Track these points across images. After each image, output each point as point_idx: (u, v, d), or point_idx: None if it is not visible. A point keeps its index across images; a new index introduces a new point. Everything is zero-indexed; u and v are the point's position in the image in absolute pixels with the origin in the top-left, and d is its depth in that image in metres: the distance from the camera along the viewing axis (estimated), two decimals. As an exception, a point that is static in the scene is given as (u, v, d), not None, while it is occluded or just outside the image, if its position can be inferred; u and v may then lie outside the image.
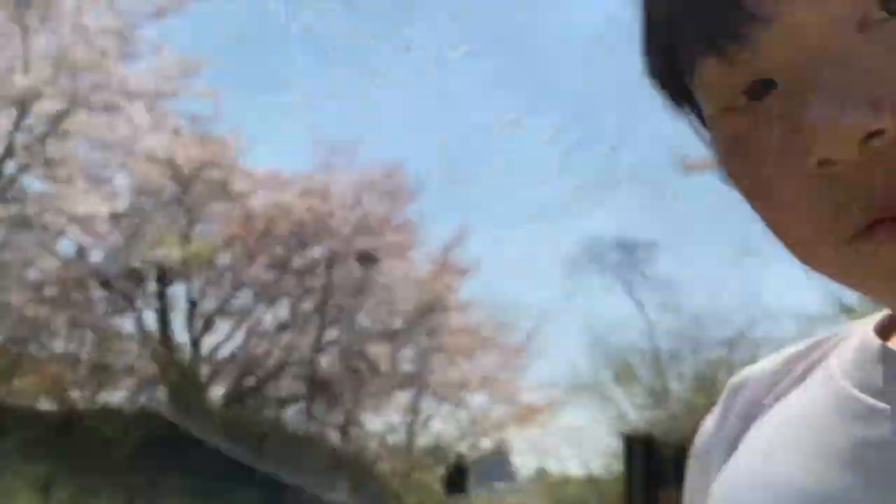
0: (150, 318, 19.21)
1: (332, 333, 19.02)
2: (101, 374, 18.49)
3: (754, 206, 0.40)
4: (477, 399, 23.61)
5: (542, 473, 28.33)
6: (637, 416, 17.57)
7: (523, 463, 29.02)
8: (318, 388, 16.40)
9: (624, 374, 19.96)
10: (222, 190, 17.90)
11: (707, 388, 16.21)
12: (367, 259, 16.49)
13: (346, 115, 22.17)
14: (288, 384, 19.99)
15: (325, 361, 18.44)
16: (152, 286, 18.76)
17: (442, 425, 24.70)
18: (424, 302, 19.66)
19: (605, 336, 19.33)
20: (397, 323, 20.44)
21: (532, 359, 24.16)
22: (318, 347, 16.52)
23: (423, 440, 24.29)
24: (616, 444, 16.88)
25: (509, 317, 23.61)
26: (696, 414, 13.06)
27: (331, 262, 16.37)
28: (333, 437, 21.36)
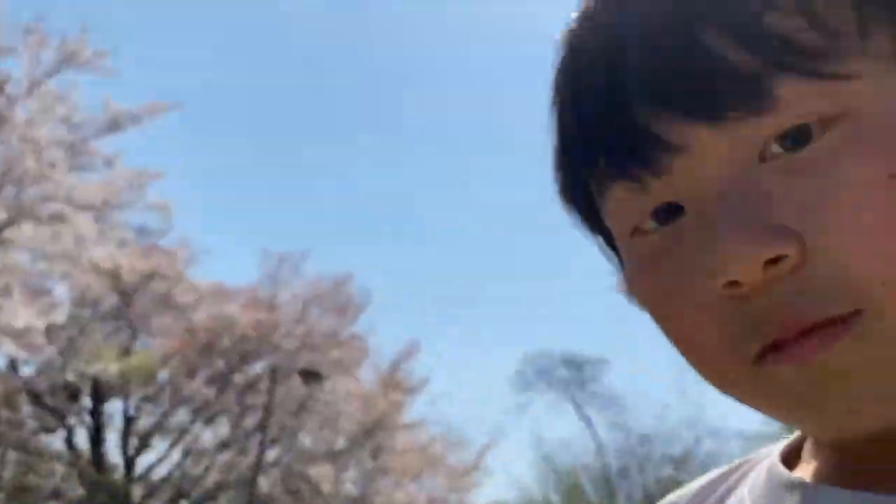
0: (83, 437, 18.38)
1: (273, 453, 18.39)
2: (25, 496, 17.43)
3: (662, 328, 0.41)
4: (424, 522, 22.80)
5: None
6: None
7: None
8: (256, 511, 15.65)
9: (573, 494, 19.58)
10: (166, 302, 17.69)
11: (654, 509, 16.02)
12: (312, 376, 16.23)
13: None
14: (226, 507, 19.09)
15: (265, 482, 17.69)
16: (87, 402, 18.07)
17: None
18: (370, 420, 19.27)
19: (555, 454, 19.12)
20: (341, 442, 19.90)
21: (481, 479, 23.62)
22: (259, 467, 15.89)
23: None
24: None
25: (458, 435, 23.25)
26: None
27: (274, 378, 16.05)
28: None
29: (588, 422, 19.81)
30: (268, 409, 15.89)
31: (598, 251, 0.48)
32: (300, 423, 18.65)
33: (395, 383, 20.76)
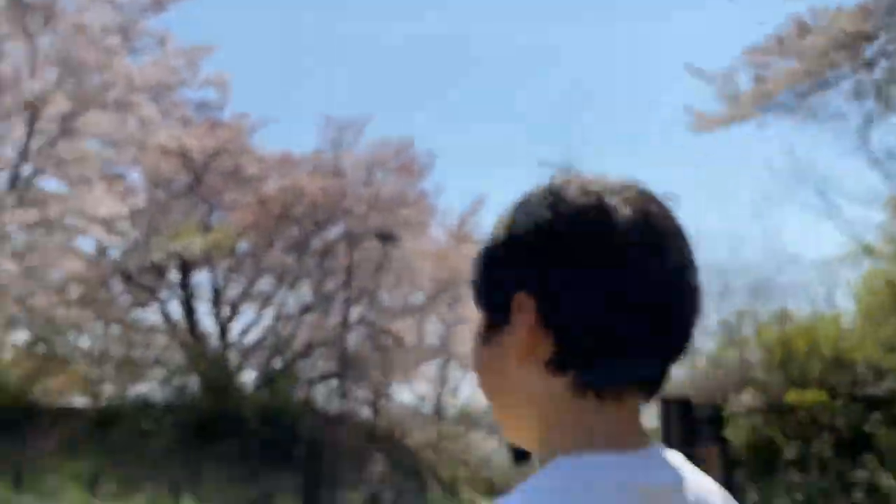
0: (176, 310, 19.41)
1: (356, 312, 19.12)
2: (131, 367, 18.72)
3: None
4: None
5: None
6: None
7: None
8: (346, 365, 16.53)
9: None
10: (235, 176, 17.90)
11: (735, 342, 16.13)
12: (386, 237, 16.48)
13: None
14: (317, 364, 20.19)
15: (352, 339, 18.54)
16: (175, 277, 18.89)
17: (470, 394, 24.96)
18: (444, 275, 19.69)
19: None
20: (419, 297, 20.53)
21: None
22: (345, 326, 16.61)
23: (452, 409, 24.57)
24: (646, 405, 16.97)
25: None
26: (726, 369, 13.00)
27: (350, 241, 16.37)
28: (365, 412, 21.64)
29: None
30: (347, 271, 16.34)
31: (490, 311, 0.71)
32: (379, 283, 19.22)
33: (466, 237, 21.01)
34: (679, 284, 0.68)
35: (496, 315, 0.69)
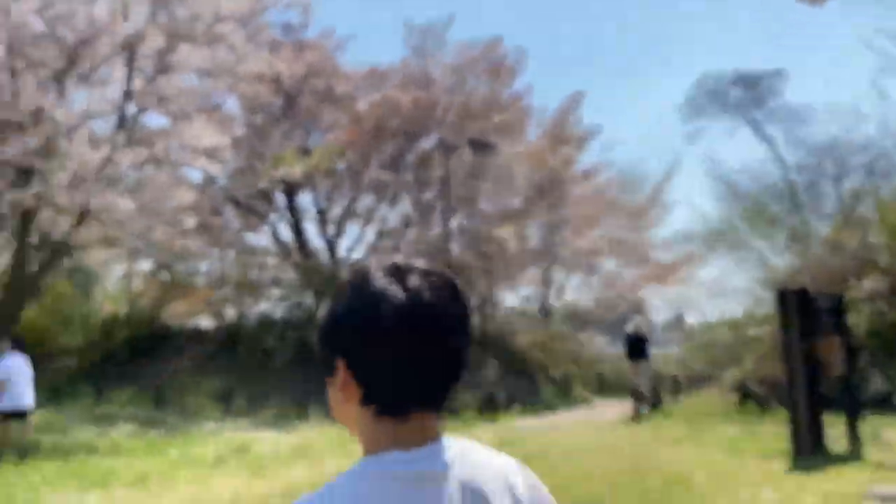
0: (285, 231, 20.18)
1: (456, 221, 19.27)
2: (249, 289, 19.75)
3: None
4: (608, 263, 23.59)
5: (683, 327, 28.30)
6: (779, 261, 16.83)
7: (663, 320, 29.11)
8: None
9: (759, 218, 18.90)
10: (327, 96, 18.04)
11: (854, 223, 15.14)
12: (480, 144, 16.30)
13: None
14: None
15: (455, 248, 18.77)
16: (281, 200, 19.55)
17: (576, 293, 24.99)
18: (542, 177, 19.42)
19: (734, 179, 18.25)
20: (518, 202, 20.41)
21: (660, 215, 23.67)
22: (447, 236, 16.81)
23: (559, 310, 24.74)
24: (758, 291, 16.38)
25: (632, 177, 23.05)
26: (845, 254, 12.26)
27: (444, 151, 16.32)
28: (473, 318, 22.10)
29: (768, 140, 18.51)
30: (444, 182, 16.38)
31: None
32: (477, 190, 19.19)
33: (562, 138, 20.52)
34: (436, 350, 1.01)
35: (329, 372, 1.04)
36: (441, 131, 18.20)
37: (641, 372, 13.38)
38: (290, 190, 18.84)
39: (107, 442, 10.39)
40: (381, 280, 1.01)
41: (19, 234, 13.66)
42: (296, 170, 16.16)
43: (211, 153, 14.43)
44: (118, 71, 13.76)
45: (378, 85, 18.56)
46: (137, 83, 13.20)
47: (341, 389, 1.02)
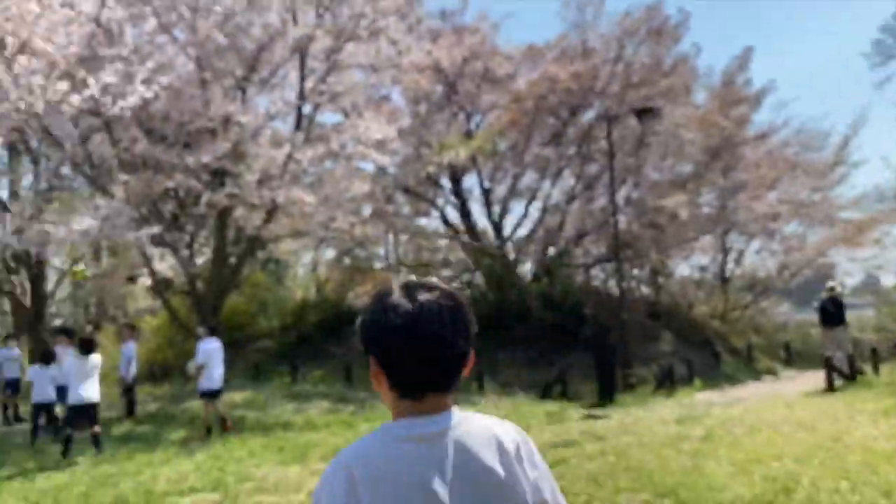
0: (453, 214, 20.75)
1: (622, 193, 18.85)
2: (423, 270, 20.53)
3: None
4: (790, 227, 22.10)
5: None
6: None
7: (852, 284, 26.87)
8: (620, 247, 16.48)
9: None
10: (486, 78, 18.24)
11: None
12: (645, 112, 15.77)
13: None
14: (590, 250, 20.44)
15: (622, 221, 18.38)
16: (447, 184, 20.10)
17: (756, 259, 23.63)
18: (713, 141, 18.48)
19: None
20: (688, 168, 19.59)
21: (847, 172, 21.81)
22: (614, 208, 16.48)
23: (737, 278, 23.52)
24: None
25: (813, 134, 21.36)
26: None
27: (607, 123, 15.96)
28: (646, 290, 21.59)
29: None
30: (609, 154, 16.05)
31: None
32: (643, 159, 18.65)
33: (733, 98, 19.39)
34: (439, 350, 1.35)
35: (371, 365, 1.38)
36: (603, 102, 17.83)
37: (837, 339, 12.47)
38: (456, 173, 19.31)
39: (303, 418, 11.34)
40: (395, 294, 1.38)
41: (218, 232, 15.12)
42: (460, 154, 16.54)
43: (381, 145, 15.13)
44: (292, 73, 14.77)
45: (536, 62, 18.49)
46: (310, 83, 14.07)
47: (373, 377, 1.39)
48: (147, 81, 10.99)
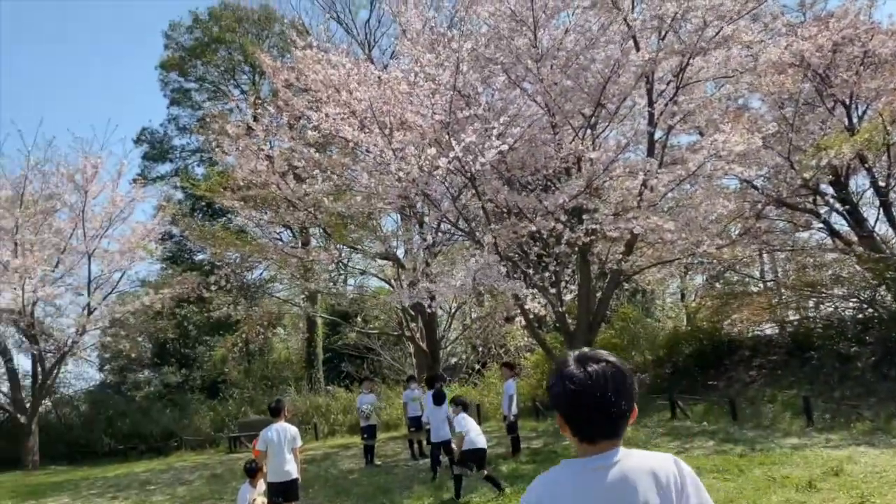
0: (839, 222, 18.13)
1: None
2: (809, 290, 18.21)
3: None
4: None
5: None
6: None
7: None
8: None
9: None
10: (865, 62, 15.79)
11: None
12: None
13: None
14: None
15: None
16: (829, 190, 17.70)
17: None
18: None
19: None
20: None
21: None
22: None
23: None
24: None
25: None
26: None
27: None
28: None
29: None
30: None
31: None
32: None
33: None
34: (604, 410, 1.74)
35: (557, 419, 1.86)
36: None
37: None
38: (839, 176, 16.91)
39: (687, 460, 10.64)
40: (571, 365, 1.80)
41: (581, 268, 15.30)
42: (843, 153, 14.45)
43: (743, 158, 13.96)
44: (640, 101, 14.47)
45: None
46: (659, 107, 13.60)
47: (561, 428, 1.83)
48: (501, 135, 11.64)
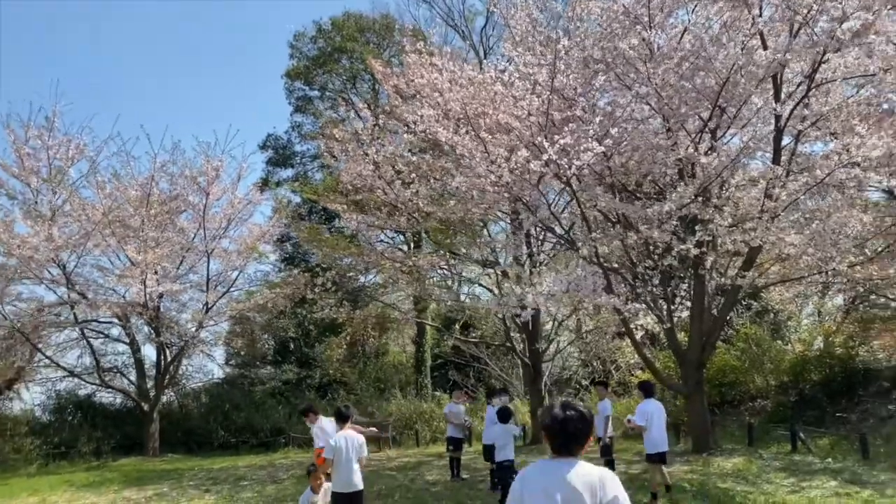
0: None
1: None
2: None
3: None
4: None
5: None
6: None
7: None
8: None
9: None
10: None
11: None
12: None
13: None
14: None
15: None
16: None
17: None
18: None
19: None
20: None
21: None
22: None
23: None
24: None
25: None
26: None
27: None
28: None
29: None
30: None
31: None
32: None
33: None
34: (570, 434, 2.90)
35: (545, 438, 3.07)
36: None
37: None
38: None
39: (801, 500, 9.48)
40: (557, 408, 2.95)
41: (695, 283, 14.20)
42: None
43: (884, 164, 12.45)
44: (758, 102, 13.30)
45: None
46: (786, 110, 12.37)
47: (546, 442, 2.98)
48: (600, 137, 10.91)
